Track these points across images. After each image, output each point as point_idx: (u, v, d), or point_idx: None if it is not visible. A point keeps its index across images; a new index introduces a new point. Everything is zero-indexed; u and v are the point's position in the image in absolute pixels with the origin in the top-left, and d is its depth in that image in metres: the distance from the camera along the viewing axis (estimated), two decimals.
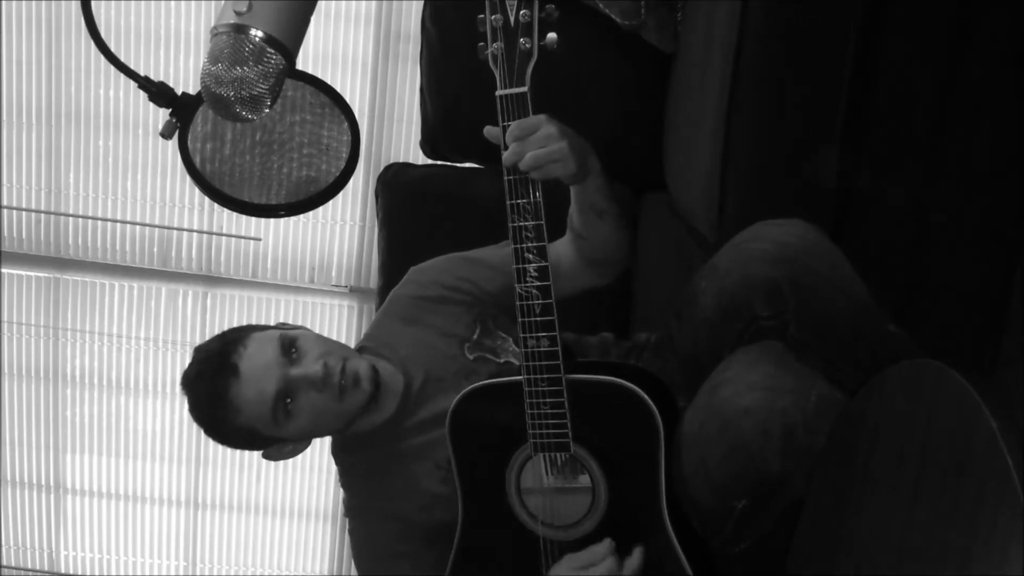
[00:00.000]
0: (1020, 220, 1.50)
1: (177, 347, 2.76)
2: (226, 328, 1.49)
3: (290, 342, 1.40)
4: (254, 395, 1.37)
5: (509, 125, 1.22)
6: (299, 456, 1.52)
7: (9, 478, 2.89)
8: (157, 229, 2.64)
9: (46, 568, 2.98)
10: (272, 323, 1.51)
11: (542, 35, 1.18)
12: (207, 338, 1.48)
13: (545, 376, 1.25)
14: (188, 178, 1.43)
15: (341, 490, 1.59)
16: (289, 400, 1.38)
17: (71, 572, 2.97)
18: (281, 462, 1.57)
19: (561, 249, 1.48)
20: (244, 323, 1.52)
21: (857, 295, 1.29)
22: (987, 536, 0.84)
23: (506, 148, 1.22)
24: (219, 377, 1.37)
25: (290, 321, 1.62)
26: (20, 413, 2.83)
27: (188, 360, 1.45)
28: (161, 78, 1.40)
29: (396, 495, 1.49)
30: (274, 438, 1.44)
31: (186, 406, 1.44)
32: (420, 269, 1.61)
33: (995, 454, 0.84)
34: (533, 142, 1.21)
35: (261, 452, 1.49)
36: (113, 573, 2.96)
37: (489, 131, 1.25)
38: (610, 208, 1.41)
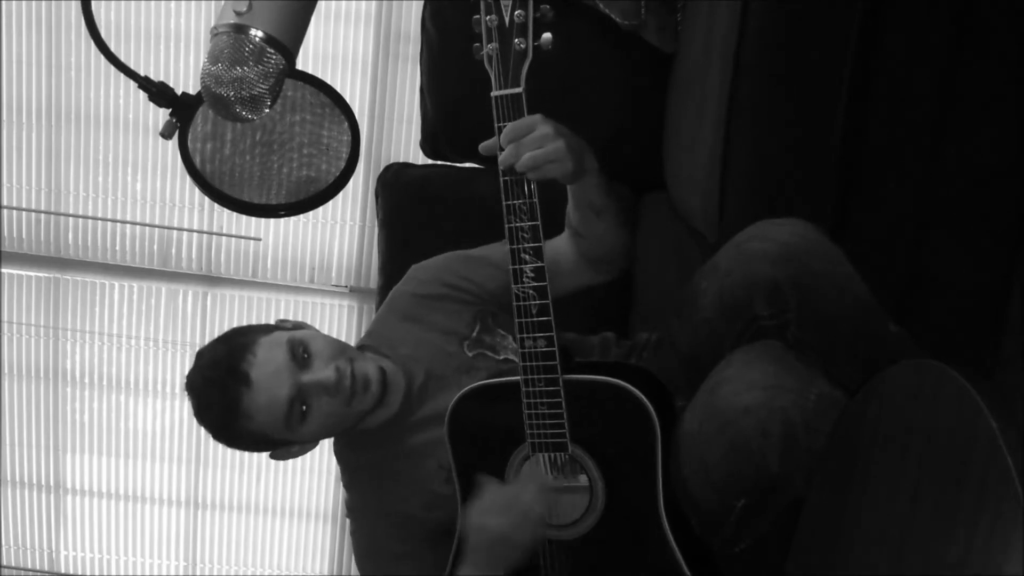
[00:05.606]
0: (1020, 220, 1.50)
1: (177, 347, 2.76)
2: (226, 328, 1.48)
3: (299, 344, 1.39)
4: (267, 402, 1.36)
5: (504, 126, 1.20)
6: (300, 456, 1.52)
7: (9, 478, 2.88)
8: (157, 229, 2.64)
9: (46, 568, 2.97)
10: (272, 322, 1.51)
11: (537, 35, 1.17)
12: (207, 338, 1.48)
13: (542, 376, 1.25)
14: (188, 178, 1.43)
15: (342, 491, 1.59)
16: (304, 407, 1.38)
17: (71, 572, 2.97)
18: (282, 463, 1.57)
19: (561, 246, 1.48)
20: (244, 323, 1.52)
21: (857, 294, 1.29)
22: (987, 536, 0.84)
23: (502, 150, 1.21)
24: (230, 386, 1.36)
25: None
26: (20, 413, 2.83)
27: (188, 360, 1.45)
28: (161, 78, 1.40)
29: (399, 494, 1.49)
30: (284, 441, 1.44)
31: (187, 407, 1.43)
32: (421, 267, 1.61)
33: (995, 454, 0.84)
34: (529, 143, 1.19)
35: (269, 453, 1.50)
36: (113, 573, 2.96)
37: (484, 146, 1.24)
38: (608, 206, 1.40)
